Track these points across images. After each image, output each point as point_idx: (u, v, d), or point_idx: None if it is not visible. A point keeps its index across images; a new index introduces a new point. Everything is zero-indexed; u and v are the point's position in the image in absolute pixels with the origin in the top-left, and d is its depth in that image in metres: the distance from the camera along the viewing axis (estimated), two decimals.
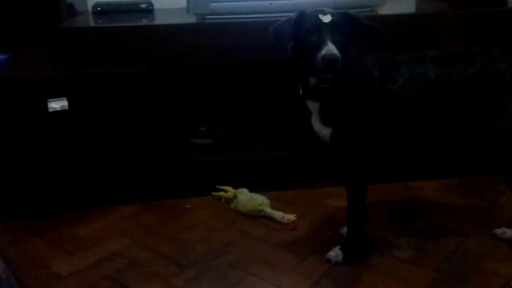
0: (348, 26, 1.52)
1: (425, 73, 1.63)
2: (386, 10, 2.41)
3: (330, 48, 1.44)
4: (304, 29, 1.51)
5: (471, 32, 2.24)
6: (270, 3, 2.17)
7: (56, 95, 2.05)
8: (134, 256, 1.85)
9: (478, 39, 2.22)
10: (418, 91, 1.62)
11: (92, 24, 2.35)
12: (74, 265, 1.81)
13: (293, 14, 1.56)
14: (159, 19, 2.44)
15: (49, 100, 2.04)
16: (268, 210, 2.06)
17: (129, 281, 1.71)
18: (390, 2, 2.54)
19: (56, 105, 2.05)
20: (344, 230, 1.84)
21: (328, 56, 1.44)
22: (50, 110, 2.04)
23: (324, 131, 1.68)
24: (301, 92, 1.65)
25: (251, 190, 2.16)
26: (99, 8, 2.43)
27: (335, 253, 1.77)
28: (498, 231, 1.87)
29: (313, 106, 1.67)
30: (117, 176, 2.19)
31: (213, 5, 2.18)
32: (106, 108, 2.14)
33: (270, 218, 2.04)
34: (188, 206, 2.18)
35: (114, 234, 2.00)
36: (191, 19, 2.24)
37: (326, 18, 1.49)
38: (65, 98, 2.06)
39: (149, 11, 2.49)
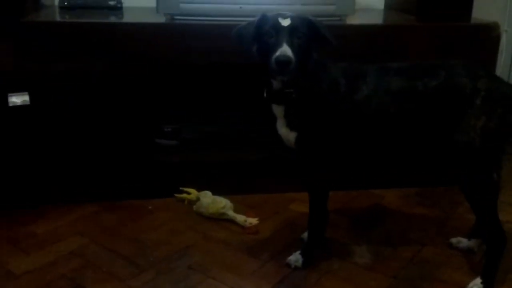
0: (308, 32, 1.54)
1: (390, 84, 1.66)
2: (354, 20, 2.45)
3: (284, 49, 1.46)
4: (264, 32, 1.53)
5: (437, 45, 2.29)
6: (240, 7, 2.17)
7: (18, 90, 2.01)
8: (92, 256, 1.82)
9: (443, 52, 2.28)
10: (383, 101, 1.65)
11: (58, 19, 2.31)
12: (29, 263, 1.76)
13: (255, 17, 1.57)
14: (128, 17, 2.41)
15: (9, 94, 1.99)
16: (231, 213, 2.06)
17: (85, 281, 1.68)
18: (359, 13, 2.59)
19: (17, 99, 2.00)
20: (306, 235, 1.85)
21: (280, 58, 1.45)
22: (10, 105, 1.99)
23: (289, 136, 1.69)
24: (265, 95, 1.66)
25: (215, 193, 2.15)
26: (66, 3, 2.39)
27: (295, 257, 1.78)
28: (453, 240, 1.92)
29: (277, 110, 1.68)
30: (78, 174, 2.16)
31: (183, 6, 2.17)
32: (69, 104, 2.11)
33: (232, 221, 2.04)
34: (150, 207, 2.16)
35: (73, 233, 1.96)
36: (160, 19, 2.23)
37: (285, 22, 1.51)
38: (26, 92, 2.01)
39: (117, 8, 2.46)
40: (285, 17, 1.52)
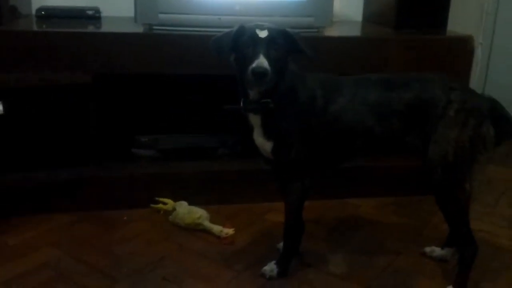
0: (285, 43, 1.55)
1: (366, 96, 1.67)
2: (332, 32, 2.48)
3: (260, 61, 1.47)
4: (241, 42, 1.54)
5: (413, 57, 2.33)
6: (219, 18, 2.18)
7: None
8: (64, 268, 1.79)
9: (419, 64, 2.31)
10: (359, 112, 1.67)
11: (35, 28, 2.29)
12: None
13: (233, 28, 1.58)
14: (106, 27, 2.40)
15: None
16: (207, 223, 2.05)
17: None
18: (337, 25, 2.62)
19: None
20: (281, 245, 1.85)
21: (257, 69, 1.47)
22: None
23: (265, 146, 1.69)
24: (241, 105, 1.66)
25: (191, 203, 2.14)
26: (43, 12, 2.38)
27: (270, 268, 1.78)
28: (427, 249, 1.94)
29: (254, 120, 1.68)
30: (52, 185, 2.13)
31: (162, 16, 2.17)
32: (45, 114, 2.09)
33: (208, 232, 2.03)
34: (125, 218, 2.13)
35: (45, 244, 1.93)
36: (139, 29, 2.22)
37: (263, 33, 1.52)
38: (0, 102, 1.99)
39: (96, 18, 2.45)
40: (262, 29, 1.54)
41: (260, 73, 1.47)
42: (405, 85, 1.67)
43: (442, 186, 1.63)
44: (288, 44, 1.56)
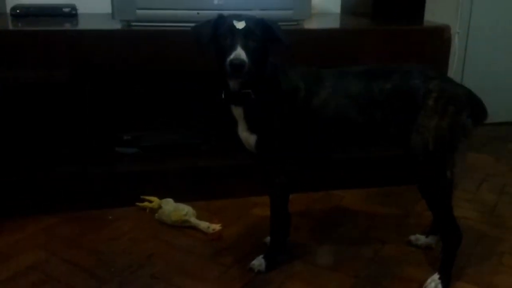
0: (263, 34, 1.55)
1: (347, 87, 1.69)
2: (312, 24, 2.49)
3: (238, 52, 1.48)
4: (219, 33, 1.54)
5: (391, 48, 2.35)
6: (198, 13, 2.17)
7: None
8: (51, 270, 1.77)
9: (397, 54, 2.33)
10: (341, 104, 1.68)
11: (10, 27, 2.25)
12: None
13: (213, 17, 1.58)
14: (83, 24, 2.37)
15: None
16: (194, 220, 2.05)
17: None
18: (316, 17, 2.63)
19: None
20: (268, 239, 1.86)
21: (234, 61, 1.47)
22: None
23: (249, 139, 1.69)
24: (223, 96, 1.66)
25: (177, 200, 2.13)
26: (18, 11, 2.33)
27: (258, 262, 1.79)
28: (412, 237, 1.97)
29: (237, 112, 1.68)
30: (36, 185, 2.10)
31: (140, 12, 2.15)
32: (25, 113, 2.06)
33: (195, 228, 2.03)
34: (111, 217, 2.12)
35: (31, 246, 1.90)
36: (116, 25, 2.20)
37: (240, 25, 1.53)
38: None
39: (72, 15, 2.41)
40: (240, 20, 1.54)
41: (237, 65, 1.48)
42: (385, 76, 1.69)
43: (424, 174, 1.66)
44: (266, 34, 1.56)
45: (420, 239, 1.95)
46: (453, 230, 1.68)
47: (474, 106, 1.65)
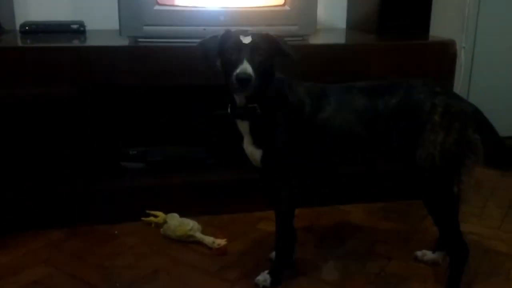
0: (269, 48, 1.57)
1: (353, 103, 1.69)
2: (317, 39, 2.50)
3: (244, 67, 1.49)
4: (226, 48, 1.56)
5: (397, 62, 2.36)
6: (204, 29, 2.19)
7: None
8: (56, 285, 1.77)
9: (403, 69, 2.34)
10: (346, 119, 1.68)
11: (19, 44, 2.28)
12: None
13: (220, 32, 1.60)
14: (91, 41, 2.40)
15: None
16: (199, 235, 2.04)
17: None
18: (321, 32, 2.64)
19: None
20: (273, 254, 1.85)
21: (241, 75, 1.48)
22: None
23: (255, 154, 1.70)
24: (229, 111, 1.67)
25: (182, 215, 2.13)
26: (27, 28, 2.36)
27: (263, 277, 1.78)
28: (418, 253, 1.95)
29: (243, 127, 1.69)
30: (42, 200, 2.11)
31: (147, 28, 2.18)
32: (33, 129, 2.07)
33: (200, 243, 2.03)
34: (116, 232, 2.12)
35: (37, 261, 1.91)
36: (124, 42, 2.22)
37: (246, 39, 1.54)
38: None
39: (80, 32, 2.44)
40: (246, 35, 1.55)
41: (243, 79, 1.49)
42: (390, 91, 1.69)
43: (430, 190, 1.65)
44: (272, 49, 1.58)
45: (427, 254, 1.94)
46: (460, 246, 1.66)
47: (481, 125, 1.64)
